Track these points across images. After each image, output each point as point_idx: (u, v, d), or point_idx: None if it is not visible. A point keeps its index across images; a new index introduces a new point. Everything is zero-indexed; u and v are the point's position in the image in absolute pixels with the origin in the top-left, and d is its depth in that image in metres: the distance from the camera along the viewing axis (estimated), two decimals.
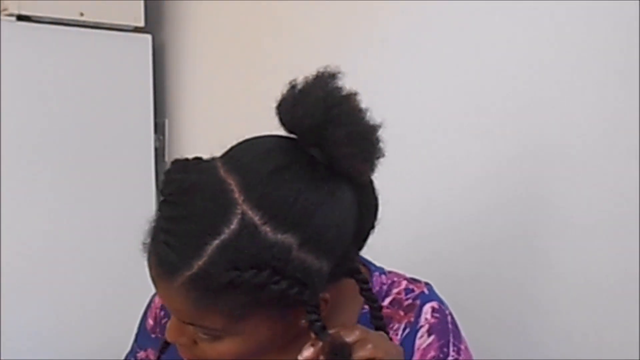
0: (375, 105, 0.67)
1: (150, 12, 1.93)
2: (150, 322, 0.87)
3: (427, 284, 0.81)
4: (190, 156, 0.66)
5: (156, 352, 0.85)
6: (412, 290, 0.79)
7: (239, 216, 0.60)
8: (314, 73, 0.65)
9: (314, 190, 0.63)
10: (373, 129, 0.64)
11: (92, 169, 1.83)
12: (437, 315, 0.77)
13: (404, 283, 0.80)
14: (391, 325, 0.77)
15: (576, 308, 1.05)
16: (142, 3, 1.87)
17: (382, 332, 0.69)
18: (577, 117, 1.03)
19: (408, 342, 0.75)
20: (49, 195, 1.77)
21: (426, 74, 1.27)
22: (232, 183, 0.61)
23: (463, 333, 0.79)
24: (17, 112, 1.70)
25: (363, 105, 0.65)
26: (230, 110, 1.77)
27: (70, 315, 1.79)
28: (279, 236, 0.60)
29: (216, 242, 0.60)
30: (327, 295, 0.66)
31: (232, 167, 0.63)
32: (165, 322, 0.84)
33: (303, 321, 0.65)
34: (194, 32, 1.93)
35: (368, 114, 0.65)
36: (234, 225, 0.60)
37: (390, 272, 0.82)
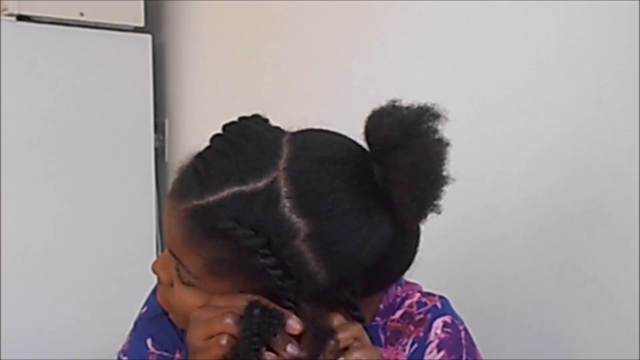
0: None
1: (150, 12, 1.93)
2: None
3: (441, 297, 0.77)
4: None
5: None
6: (425, 304, 0.76)
7: (271, 179, 0.59)
8: (421, 104, 0.63)
9: (352, 196, 0.60)
10: (441, 179, 0.62)
11: (92, 168, 1.83)
12: (448, 330, 0.74)
13: (417, 296, 0.77)
14: (400, 340, 0.74)
15: (576, 308, 1.05)
16: (142, 3, 1.87)
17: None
18: (577, 118, 1.03)
19: (416, 358, 0.73)
20: (49, 195, 1.77)
21: (426, 75, 1.27)
22: (285, 151, 0.61)
23: (479, 350, 0.76)
24: (17, 112, 1.70)
25: (447, 156, 0.62)
26: (230, 110, 1.76)
27: (70, 315, 1.79)
28: (294, 216, 0.59)
29: (237, 188, 0.59)
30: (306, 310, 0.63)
31: (294, 139, 0.63)
32: None
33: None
34: (194, 32, 1.93)
35: (446, 164, 0.62)
36: (261, 183, 0.59)
37: (407, 283, 0.78)
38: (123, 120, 1.88)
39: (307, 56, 1.52)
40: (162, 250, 1.80)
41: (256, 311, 0.58)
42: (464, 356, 0.73)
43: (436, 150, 0.61)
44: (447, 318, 0.75)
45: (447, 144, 0.62)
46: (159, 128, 1.99)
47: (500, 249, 1.15)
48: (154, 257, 1.87)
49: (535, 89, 1.09)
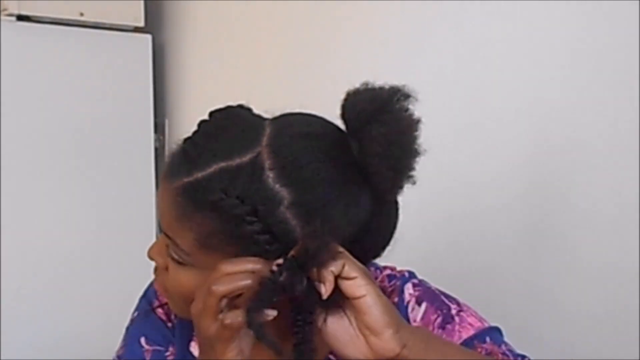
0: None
1: (150, 12, 1.93)
2: (160, 310, 0.84)
3: (408, 270, 0.82)
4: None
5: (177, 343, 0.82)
6: (394, 277, 0.80)
7: (255, 154, 0.64)
8: (393, 84, 0.67)
9: (332, 168, 0.64)
10: (414, 150, 0.65)
11: (92, 168, 1.83)
12: (419, 288, 0.78)
13: (387, 271, 0.81)
14: None
15: (576, 308, 1.05)
16: (142, 3, 1.87)
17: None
18: (577, 118, 1.04)
19: None
20: (49, 195, 1.77)
21: (426, 75, 1.27)
22: (267, 130, 0.66)
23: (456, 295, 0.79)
24: (17, 112, 1.70)
25: (419, 131, 0.66)
26: None
27: (70, 314, 1.79)
28: (277, 186, 0.62)
29: (223, 164, 0.63)
30: None
31: (275, 121, 0.68)
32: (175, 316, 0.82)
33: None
34: (194, 32, 1.93)
35: (418, 138, 0.66)
36: (246, 158, 0.63)
37: (384, 267, 0.82)
38: (123, 120, 1.88)
39: (307, 56, 1.52)
40: None
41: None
42: (444, 299, 0.77)
43: (408, 123, 0.65)
44: (414, 280, 0.79)
45: (418, 120, 0.66)
46: (159, 128, 2.00)
47: (500, 248, 1.15)
48: None
49: (536, 90, 1.09)
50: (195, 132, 0.68)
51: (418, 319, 0.76)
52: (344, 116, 0.67)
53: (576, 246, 1.05)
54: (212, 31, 1.87)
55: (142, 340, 0.82)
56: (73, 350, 1.75)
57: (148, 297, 0.86)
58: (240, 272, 0.61)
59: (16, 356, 1.67)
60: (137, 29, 1.89)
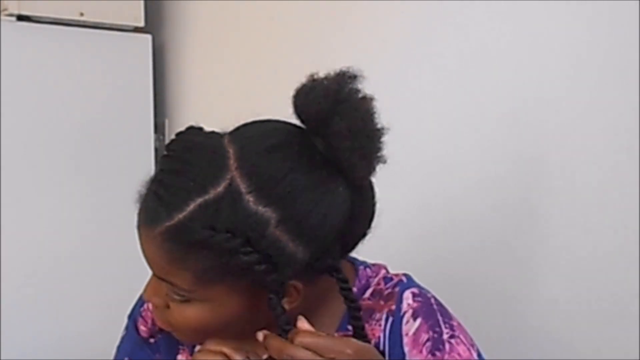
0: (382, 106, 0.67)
1: (150, 12, 1.93)
2: (143, 328, 0.87)
3: (405, 274, 0.81)
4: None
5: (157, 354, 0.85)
6: (391, 279, 0.79)
7: (228, 181, 0.62)
8: (337, 70, 0.67)
9: (306, 173, 0.64)
10: (377, 132, 0.66)
11: (92, 169, 1.83)
12: (418, 299, 0.77)
13: (383, 272, 0.81)
14: (373, 316, 0.77)
15: (576, 308, 1.05)
16: (142, 3, 1.87)
17: (346, 339, 0.67)
18: (577, 118, 1.04)
19: (394, 330, 0.75)
20: (49, 196, 1.77)
21: (425, 75, 1.27)
22: (231, 151, 0.64)
23: (453, 313, 0.78)
24: (17, 112, 1.70)
25: (376, 110, 0.66)
26: (230, 110, 1.77)
27: (70, 315, 1.79)
28: (260, 208, 0.62)
29: (200, 199, 0.62)
30: (298, 285, 0.67)
31: (235, 138, 0.66)
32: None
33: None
34: (194, 32, 1.93)
35: (377, 118, 0.66)
36: (220, 188, 0.62)
37: (374, 264, 0.82)
38: (123, 121, 1.88)
39: (306, 57, 1.52)
40: None
41: None
42: (440, 319, 0.76)
43: (365, 107, 0.66)
44: (415, 289, 0.78)
45: (372, 99, 0.67)
46: (159, 128, 1.99)
47: (499, 250, 1.15)
48: None
49: (535, 90, 1.09)
50: (160, 172, 0.67)
51: (410, 333, 0.75)
52: (300, 116, 0.67)
53: (576, 246, 1.05)
54: (212, 31, 1.87)
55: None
56: (73, 350, 1.75)
57: (133, 316, 0.88)
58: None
59: (16, 356, 1.67)
60: (137, 29, 1.89)
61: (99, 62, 1.83)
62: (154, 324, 0.86)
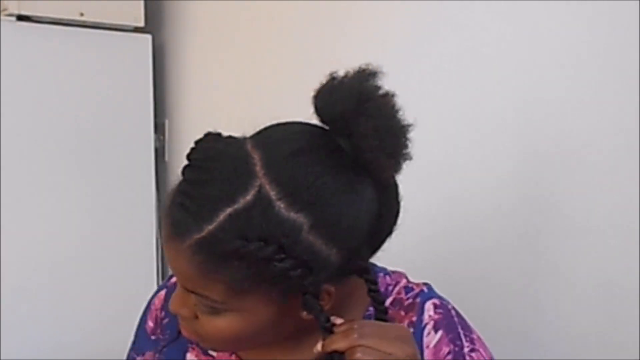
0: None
1: (150, 12, 1.93)
2: (150, 324, 0.87)
3: (425, 283, 0.81)
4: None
5: (155, 353, 0.85)
6: (412, 289, 0.79)
7: (256, 188, 0.61)
8: (356, 68, 0.66)
9: (334, 176, 0.64)
10: (403, 128, 0.66)
11: (92, 169, 1.83)
12: (440, 311, 0.76)
13: (404, 282, 0.80)
14: None
15: (576, 309, 1.05)
16: (142, 3, 1.87)
17: (380, 323, 0.68)
18: (578, 118, 1.03)
19: (416, 342, 0.74)
20: (49, 196, 1.77)
21: (425, 75, 1.27)
22: (256, 157, 0.63)
23: (472, 324, 0.78)
24: (17, 112, 1.70)
25: (399, 106, 0.66)
26: (230, 110, 1.77)
27: (70, 315, 1.79)
28: (292, 214, 0.61)
29: (229, 209, 0.61)
30: (331, 289, 0.66)
31: (258, 143, 0.65)
32: (167, 322, 0.83)
33: (304, 313, 0.65)
34: (194, 32, 1.93)
35: (401, 113, 0.66)
36: (249, 196, 0.61)
37: (393, 272, 0.81)
38: (123, 121, 1.88)
39: (307, 56, 1.52)
40: (162, 251, 1.80)
41: None
42: (461, 331, 0.75)
43: (389, 104, 0.65)
44: (436, 300, 0.77)
45: (393, 95, 0.66)
46: (159, 128, 1.99)
47: (503, 251, 1.15)
48: (154, 258, 1.87)
49: (536, 90, 1.09)
50: (183, 182, 0.65)
51: (431, 345, 0.74)
52: (323, 117, 0.66)
53: (576, 246, 1.05)
54: (212, 31, 1.87)
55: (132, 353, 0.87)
56: (73, 350, 1.75)
57: (146, 308, 0.88)
58: None
59: (16, 356, 1.67)
60: (137, 29, 1.89)
61: (99, 62, 1.83)
62: (156, 322, 0.86)
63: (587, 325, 1.04)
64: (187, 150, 0.66)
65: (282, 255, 0.61)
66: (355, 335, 0.62)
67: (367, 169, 0.65)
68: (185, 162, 0.67)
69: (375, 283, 0.69)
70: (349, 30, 1.42)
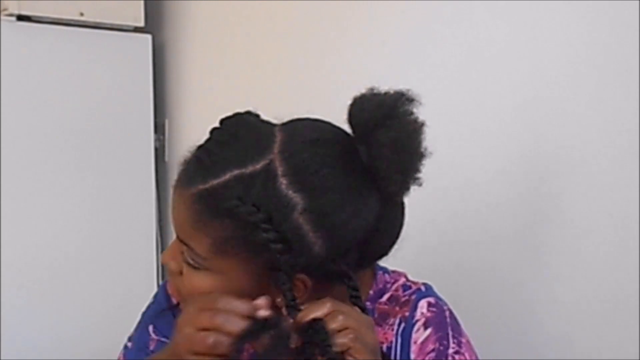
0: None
1: (150, 12, 1.93)
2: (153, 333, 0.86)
3: (424, 283, 0.82)
4: None
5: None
6: (410, 287, 0.80)
7: (267, 161, 0.66)
8: (398, 89, 0.69)
9: (342, 173, 0.67)
10: (420, 154, 0.68)
11: (92, 169, 1.83)
12: (433, 309, 0.78)
13: (403, 280, 0.81)
14: (387, 321, 0.78)
15: (576, 308, 1.05)
16: (142, 3, 1.87)
17: (354, 307, 0.69)
18: (578, 118, 1.04)
19: (405, 337, 0.76)
20: (49, 195, 1.77)
21: (426, 75, 1.27)
22: (278, 137, 0.68)
23: (464, 330, 0.78)
24: (17, 112, 1.70)
25: (424, 135, 0.68)
26: (230, 110, 1.77)
27: (70, 315, 1.79)
28: (290, 192, 0.65)
29: (237, 171, 0.65)
30: (307, 281, 0.68)
31: (285, 127, 0.70)
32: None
33: (279, 300, 0.66)
34: (194, 32, 1.93)
35: (423, 141, 0.68)
36: (259, 165, 0.65)
37: (393, 271, 0.83)
38: (123, 120, 1.88)
39: (306, 56, 1.52)
40: (162, 250, 1.80)
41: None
42: (450, 332, 0.76)
43: (413, 127, 0.68)
44: (431, 299, 0.79)
45: (423, 124, 0.69)
46: (159, 128, 1.99)
47: (499, 248, 1.15)
48: (154, 257, 1.87)
49: (536, 90, 1.09)
50: (207, 140, 0.70)
51: (419, 341, 0.76)
52: (351, 121, 0.70)
53: (577, 246, 1.05)
54: (212, 31, 1.87)
55: (151, 328, 0.85)
56: (73, 350, 1.75)
57: (164, 283, 0.89)
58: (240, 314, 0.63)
59: (16, 356, 1.67)
60: (137, 29, 1.89)
61: (99, 62, 1.83)
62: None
63: (587, 325, 1.04)
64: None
65: (269, 226, 0.64)
66: (329, 304, 0.64)
67: (376, 179, 0.67)
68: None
69: (357, 289, 0.69)
70: (349, 30, 1.42)
